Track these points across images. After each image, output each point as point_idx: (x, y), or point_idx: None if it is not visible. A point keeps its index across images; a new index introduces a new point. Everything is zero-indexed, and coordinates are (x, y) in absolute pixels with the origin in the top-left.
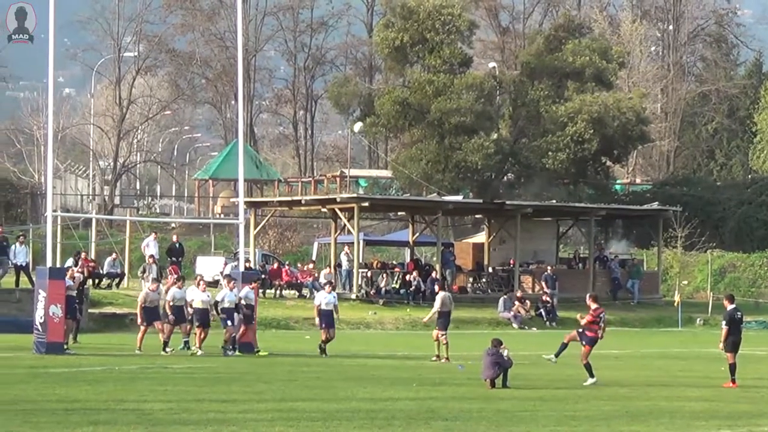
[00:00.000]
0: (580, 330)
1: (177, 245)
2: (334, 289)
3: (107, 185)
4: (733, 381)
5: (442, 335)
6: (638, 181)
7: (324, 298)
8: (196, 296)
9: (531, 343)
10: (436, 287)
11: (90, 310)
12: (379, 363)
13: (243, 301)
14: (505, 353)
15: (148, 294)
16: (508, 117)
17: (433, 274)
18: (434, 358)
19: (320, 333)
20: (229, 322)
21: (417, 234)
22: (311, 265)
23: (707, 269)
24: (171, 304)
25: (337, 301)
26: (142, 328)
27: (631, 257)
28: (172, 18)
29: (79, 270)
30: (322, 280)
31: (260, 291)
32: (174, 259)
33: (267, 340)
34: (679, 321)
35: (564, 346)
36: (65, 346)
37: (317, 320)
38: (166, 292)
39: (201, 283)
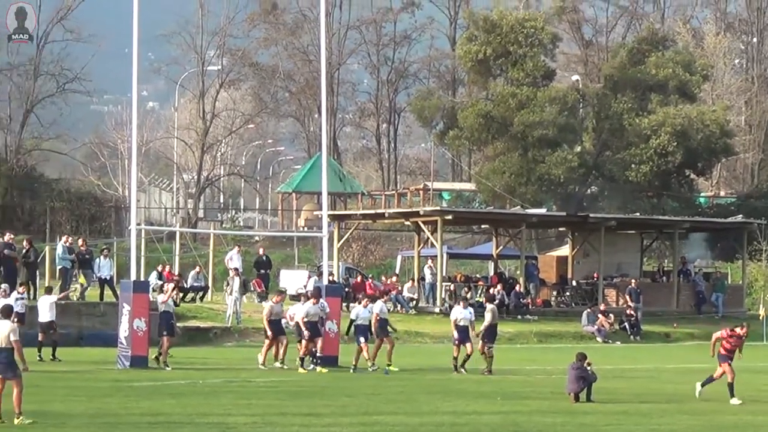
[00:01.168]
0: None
1: (264, 258)
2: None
3: (191, 198)
4: None
5: (489, 348)
6: (722, 193)
7: (360, 312)
8: (298, 312)
9: (615, 356)
10: (484, 300)
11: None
12: (462, 377)
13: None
14: (589, 368)
15: (273, 307)
16: (591, 130)
17: (517, 288)
18: (485, 372)
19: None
20: (362, 339)
21: (500, 247)
22: (395, 279)
23: None
24: (305, 319)
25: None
26: (267, 341)
27: (715, 271)
28: (255, 32)
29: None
30: (406, 294)
31: (344, 304)
32: (261, 271)
33: (351, 353)
34: (764, 335)
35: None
36: (166, 366)
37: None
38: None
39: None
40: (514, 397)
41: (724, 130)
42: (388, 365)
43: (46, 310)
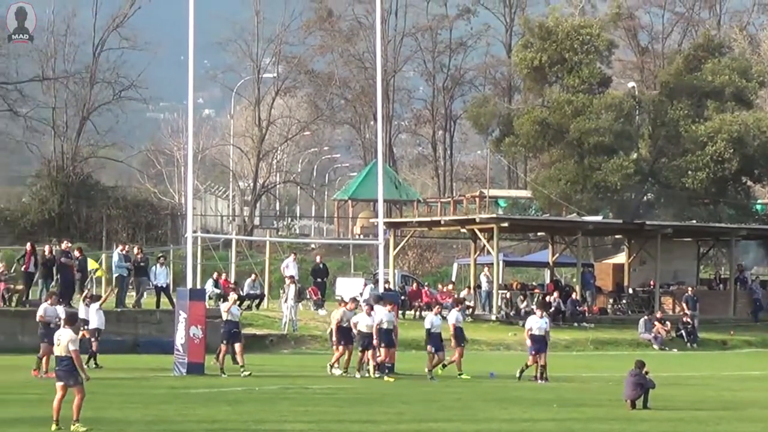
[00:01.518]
0: None
1: (321, 266)
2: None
3: (247, 206)
4: None
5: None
6: None
7: (434, 320)
8: (361, 320)
9: (672, 364)
10: (534, 308)
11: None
12: (519, 384)
13: (386, 325)
14: (648, 375)
15: (346, 313)
16: (647, 136)
17: (573, 296)
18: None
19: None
20: (431, 347)
21: (557, 255)
22: (451, 286)
23: None
24: (382, 327)
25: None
26: (341, 348)
27: None
28: (311, 39)
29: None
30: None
31: (400, 312)
32: (317, 279)
33: (407, 361)
34: None
35: None
36: (222, 373)
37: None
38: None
39: (365, 306)
40: (570, 404)
41: None
42: (459, 374)
43: (94, 317)
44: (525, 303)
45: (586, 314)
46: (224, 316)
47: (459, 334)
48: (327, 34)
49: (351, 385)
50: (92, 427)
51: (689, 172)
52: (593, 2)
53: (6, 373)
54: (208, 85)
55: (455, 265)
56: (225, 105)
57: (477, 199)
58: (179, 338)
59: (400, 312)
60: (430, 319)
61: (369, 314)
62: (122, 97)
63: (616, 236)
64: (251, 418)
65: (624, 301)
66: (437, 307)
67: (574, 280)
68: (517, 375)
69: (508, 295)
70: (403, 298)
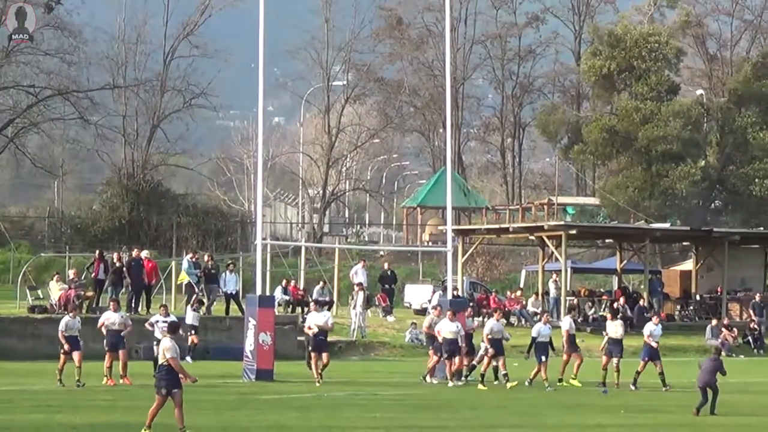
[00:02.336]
0: None
1: (389, 272)
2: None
3: (316, 213)
4: None
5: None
6: None
7: (542, 329)
8: (444, 326)
9: (739, 370)
10: (608, 315)
11: (299, 338)
12: (586, 389)
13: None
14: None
15: (433, 319)
16: (715, 144)
17: (641, 302)
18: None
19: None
20: (543, 357)
21: (624, 261)
22: (519, 293)
23: None
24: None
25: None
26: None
27: None
28: (380, 47)
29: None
30: (530, 308)
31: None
32: (386, 286)
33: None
34: None
35: None
36: (317, 382)
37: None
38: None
39: (449, 313)
40: (638, 410)
41: None
42: (573, 378)
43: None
44: (593, 310)
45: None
46: (314, 329)
47: (572, 341)
48: (396, 41)
49: (419, 391)
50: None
51: (757, 180)
52: (662, 10)
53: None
54: (278, 92)
55: (523, 272)
56: (295, 113)
57: (545, 207)
58: (248, 345)
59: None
60: (538, 328)
61: (452, 320)
62: (192, 105)
63: (684, 243)
64: (319, 424)
65: (691, 308)
66: (497, 312)
67: (642, 286)
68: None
69: (576, 302)
70: (471, 304)
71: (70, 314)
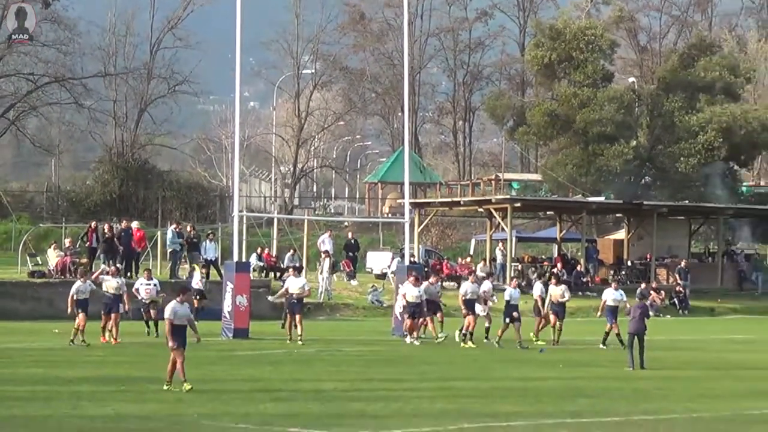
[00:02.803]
0: None
1: (352, 241)
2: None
3: (287, 188)
4: None
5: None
6: (763, 183)
7: (513, 293)
8: (408, 290)
9: (665, 329)
10: (552, 280)
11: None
12: (530, 347)
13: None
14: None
15: (429, 287)
16: (645, 126)
17: (578, 268)
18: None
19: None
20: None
21: (563, 231)
22: (469, 259)
23: None
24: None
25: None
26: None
27: (755, 252)
28: (345, 39)
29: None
30: (479, 273)
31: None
32: (350, 253)
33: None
34: None
35: None
36: (290, 340)
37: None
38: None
39: (412, 279)
40: (576, 364)
41: (765, 126)
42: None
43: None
44: (535, 274)
45: (590, 284)
46: (294, 291)
47: (540, 305)
48: (360, 34)
49: (380, 347)
50: (151, 384)
51: (682, 158)
52: (598, 6)
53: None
54: (253, 80)
55: (473, 241)
56: (268, 98)
57: (493, 182)
58: (226, 306)
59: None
60: (509, 292)
61: (415, 285)
62: (176, 91)
63: (617, 215)
64: (290, 377)
65: (623, 273)
66: (473, 276)
67: (579, 254)
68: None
69: (520, 268)
70: (426, 270)
71: (81, 279)
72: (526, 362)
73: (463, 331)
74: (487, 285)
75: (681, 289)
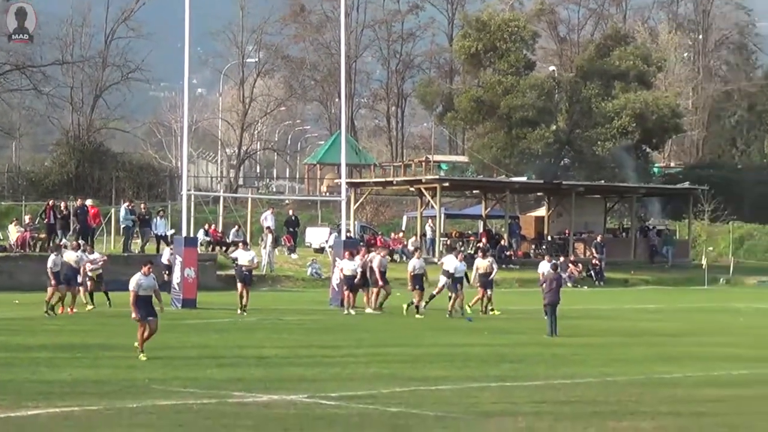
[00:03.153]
0: None
1: (293, 218)
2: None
3: (232, 169)
4: None
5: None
6: (672, 164)
7: (458, 266)
8: (345, 265)
9: (582, 299)
10: (479, 254)
11: (218, 272)
12: (458, 317)
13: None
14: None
15: (381, 260)
16: (564, 111)
17: (502, 242)
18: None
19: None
20: (458, 288)
21: (488, 209)
22: (401, 234)
23: (729, 238)
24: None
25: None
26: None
27: (666, 228)
28: (287, 30)
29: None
30: (410, 247)
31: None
32: (290, 229)
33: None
34: (705, 281)
35: None
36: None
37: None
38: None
39: (347, 253)
40: (500, 332)
41: (675, 112)
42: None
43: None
44: (463, 248)
45: (512, 258)
46: (244, 263)
47: (487, 278)
48: (300, 25)
49: (319, 317)
50: (105, 351)
51: (599, 142)
52: (521, 0)
53: (33, 309)
54: (201, 68)
55: (405, 218)
56: (215, 85)
57: (423, 164)
58: (176, 278)
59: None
60: (454, 264)
61: (351, 259)
62: (129, 78)
63: (538, 194)
64: (235, 344)
65: (544, 247)
66: (418, 251)
67: (503, 229)
68: (416, 311)
69: (448, 242)
70: (361, 244)
71: (54, 253)
72: (455, 330)
73: (415, 304)
74: (453, 261)
75: (597, 262)
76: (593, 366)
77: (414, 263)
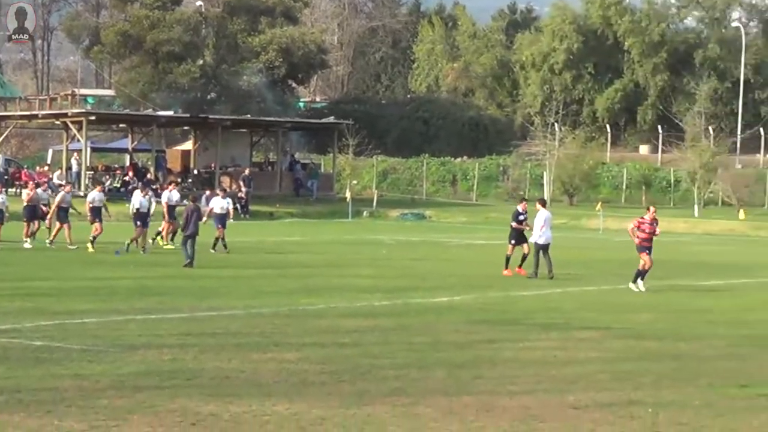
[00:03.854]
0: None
1: None
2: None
3: None
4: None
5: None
6: (318, 99)
7: (142, 201)
8: (215, 203)
9: (228, 232)
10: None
11: None
12: (101, 250)
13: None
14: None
15: (65, 196)
16: (211, 47)
17: (148, 176)
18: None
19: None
20: (140, 224)
21: (135, 142)
22: (46, 168)
23: (373, 171)
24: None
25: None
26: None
27: (310, 161)
28: None
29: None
30: (56, 180)
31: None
32: None
33: (11, 230)
34: (349, 213)
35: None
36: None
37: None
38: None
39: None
40: (146, 265)
41: (321, 48)
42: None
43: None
44: (110, 182)
45: (158, 191)
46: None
47: (171, 211)
48: None
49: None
50: None
51: (245, 77)
52: None
53: None
54: None
55: (50, 151)
56: None
57: (70, 97)
58: None
59: (3, 189)
60: (139, 199)
61: (223, 197)
62: None
63: (185, 127)
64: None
65: (190, 180)
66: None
67: (150, 163)
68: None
69: (94, 175)
70: (6, 177)
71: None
72: (100, 263)
73: (91, 237)
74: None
75: (243, 195)
76: (239, 298)
77: (94, 195)
